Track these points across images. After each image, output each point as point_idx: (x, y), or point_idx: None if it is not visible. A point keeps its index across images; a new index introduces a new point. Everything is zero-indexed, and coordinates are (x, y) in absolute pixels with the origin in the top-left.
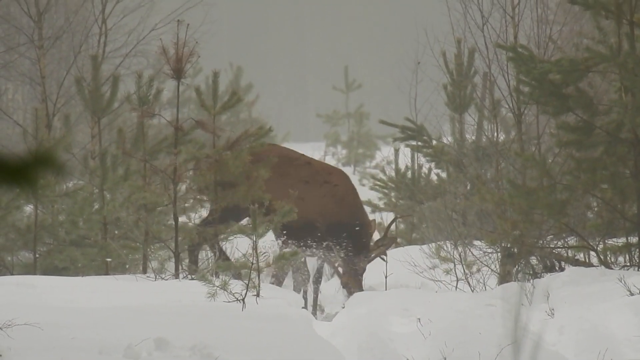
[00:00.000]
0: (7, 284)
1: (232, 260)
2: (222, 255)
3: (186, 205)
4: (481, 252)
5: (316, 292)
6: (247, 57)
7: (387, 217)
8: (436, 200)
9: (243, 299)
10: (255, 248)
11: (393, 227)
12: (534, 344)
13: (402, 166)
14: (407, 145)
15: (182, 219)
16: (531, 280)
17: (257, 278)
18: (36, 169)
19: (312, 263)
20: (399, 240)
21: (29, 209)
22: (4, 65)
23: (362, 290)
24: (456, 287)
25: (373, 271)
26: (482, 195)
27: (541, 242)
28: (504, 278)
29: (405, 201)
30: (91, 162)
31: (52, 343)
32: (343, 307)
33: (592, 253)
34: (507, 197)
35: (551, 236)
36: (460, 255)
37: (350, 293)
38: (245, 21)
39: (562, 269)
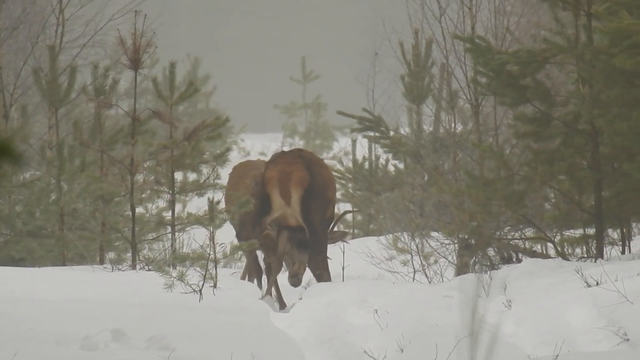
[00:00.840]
0: None
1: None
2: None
3: (143, 196)
4: (438, 243)
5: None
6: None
7: (345, 208)
8: (394, 191)
9: (200, 290)
10: (212, 239)
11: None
12: (491, 335)
13: (359, 157)
14: (364, 136)
15: (139, 209)
16: (488, 272)
17: (214, 269)
18: None
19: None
20: (351, 231)
21: None
22: None
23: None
24: (413, 279)
25: (330, 262)
26: (440, 187)
27: (499, 233)
28: (461, 269)
29: (363, 192)
30: (48, 152)
31: (8, 334)
32: (300, 299)
33: (550, 244)
34: (464, 188)
35: (509, 227)
36: (417, 247)
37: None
38: (203, 12)
39: (519, 261)
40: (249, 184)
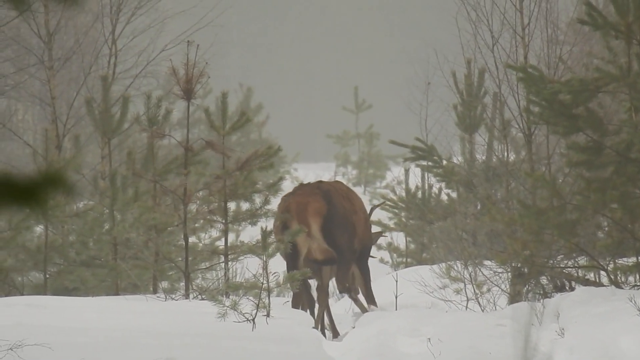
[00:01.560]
0: (17, 305)
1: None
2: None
3: (196, 225)
4: (491, 272)
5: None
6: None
7: (397, 237)
8: (446, 220)
9: (253, 319)
10: (265, 268)
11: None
12: None
13: (412, 186)
14: (417, 166)
15: (192, 239)
16: (541, 300)
17: (267, 298)
18: (46, 189)
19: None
20: (404, 260)
21: (39, 229)
22: (14, 86)
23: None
24: (466, 307)
25: (383, 291)
26: (492, 215)
27: (551, 262)
28: (514, 298)
29: (416, 221)
30: (101, 182)
31: None
32: (353, 327)
33: (603, 273)
34: (517, 217)
35: (561, 256)
36: (470, 275)
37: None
38: (255, 42)
39: (572, 289)
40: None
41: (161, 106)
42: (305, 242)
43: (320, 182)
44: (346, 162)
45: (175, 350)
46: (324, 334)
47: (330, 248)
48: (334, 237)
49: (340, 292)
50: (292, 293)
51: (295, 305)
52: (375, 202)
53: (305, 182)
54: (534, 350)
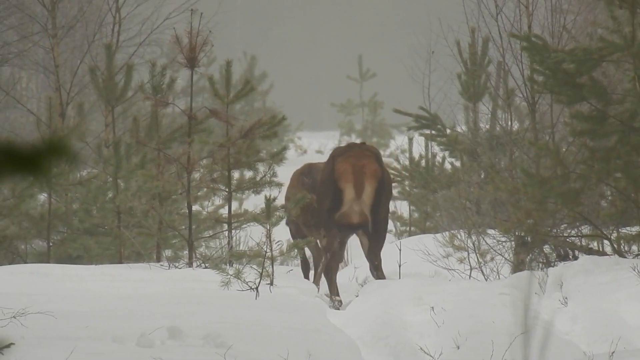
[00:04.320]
0: (21, 273)
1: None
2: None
3: (199, 193)
4: (495, 240)
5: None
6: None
7: (401, 205)
8: (450, 189)
9: (257, 288)
10: (269, 236)
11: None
12: (545, 332)
13: (416, 155)
14: (421, 134)
15: (195, 207)
16: (545, 269)
17: (270, 266)
18: (50, 157)
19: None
20: (408, 229)
21: (42, 197)
22: (18, 54)
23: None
24: (470, 276)
25: (386, 260)
26: (496, 184)
27: (555, 230)
28: (517, 267)
29: (419, 190)
30: (105, 150)
31: (66, 332)
32: (357, 296)
33: (606, 242)
34: (520, 186)
35: (565, 225)
36: (473, 244)
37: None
38: (259, 11)
39: (575, 258)
40: (306, 181)
41: (165, 74)
42: (349, 202)
43: (364, 143)
44: (350, 131)
45: (178, 318)
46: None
47: (369, 215)
48: (379, 205)
49: (371, 268)
50: (299, 260)
51: (305, 269)
52: None
53: (309, 149)
54: (535, 319)
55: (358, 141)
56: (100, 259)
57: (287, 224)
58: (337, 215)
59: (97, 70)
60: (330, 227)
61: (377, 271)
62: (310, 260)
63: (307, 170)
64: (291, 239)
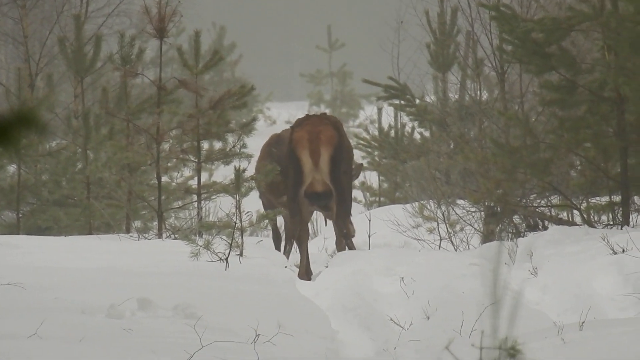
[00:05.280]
0: None
1: (216, 219)
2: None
3: (169, 164)
4: (464, 211)
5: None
6: (230, 17)
7: (370, 176)
8: (419, 159)
9: (226, 259)
10: (238, 207)
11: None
12: (515, 302)
13: (385, 125)
14: (390, 104)
15: (165, 178)
16: (514, 239)
17: (240, 237)
18: (19, 128)
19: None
20: (377, 199)
21: (12, 168)
22: None
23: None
24: (439, 246)
25: (356, 230)
26: (466, 154)
27: (524, 200)
28: (487, 237)
29: (389, 160)
30: (74, 121)
31: (35, 303)
32: (326, 267)
33: (576, 212)
34: (490, 156)
35: (534, 195)
36: (443, 214)
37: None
38: None
39: (545, 228)
40: (275, 152)
41: (134, 45)
42: (311, 172)
43: (324, 113)
44: (319, 101)
45: (148, 289)
46: (309, 272)
47: (330, 183)
48: (337, 172)
49: (339, 235)
50: (270, 230)
51: (277, 240)
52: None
53: (278, 120)
54: (505, 289)
55: (327, 111)
56: (69, 230)
57: (260, 197)
58: (302, 190)
59: (66, 41)
60: (297, 210)
61: (346, 239)
62: (282, 231)
63: (275, 141)
64: (263, 210)
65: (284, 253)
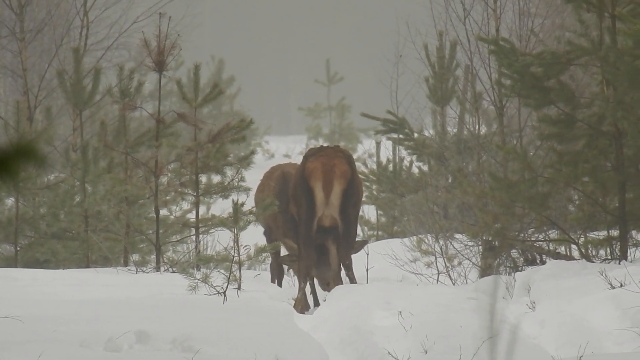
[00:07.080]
0: None
1: (214, 253)
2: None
3: (167, 198)
4: (462, 245)
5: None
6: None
7: (369, 210)
8: (417, 193)
9: (224, 292)
10: (236, 241)
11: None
12: (512, 336)
13: (383, 159)
14: (388, 138)
15: (163, 212)
16: (512, 274)
17: (238, 271)
18: (17, 161)
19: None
20: (375, 233)
21: (10, 201)
22: None
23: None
24: (437, 280)
25: (354, 264)
26: (464, 188)
27: (522, 235)
28: (485, 271)
29: (387, 194)
30: (73, 154)
31: (33, 336)
32: (324, 301)
33: (574, 246)
34: (488, 190)
35: (532, 229)
36: (441, 248)
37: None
38: (228, 14)
39: (543, 262)
40: (274, 186)
41: (133, 78)
42: (322, 206)
43: (338, 146)
44: (318, 135)
45: (145, 322)
46: (307, 306)
47: (338, 217)
48: (347, 206)
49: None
50: (268, 265)
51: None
52: None
53: (276, 153)
54: (502, 324)
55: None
56: (67, 263)
57: (264, 233)
58: (314, 224)
59: (65, 74)
60: (311, 244)
61: (347, 271)
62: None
63: (278, 175)
64: (265, 238)
65: (299, 290)
